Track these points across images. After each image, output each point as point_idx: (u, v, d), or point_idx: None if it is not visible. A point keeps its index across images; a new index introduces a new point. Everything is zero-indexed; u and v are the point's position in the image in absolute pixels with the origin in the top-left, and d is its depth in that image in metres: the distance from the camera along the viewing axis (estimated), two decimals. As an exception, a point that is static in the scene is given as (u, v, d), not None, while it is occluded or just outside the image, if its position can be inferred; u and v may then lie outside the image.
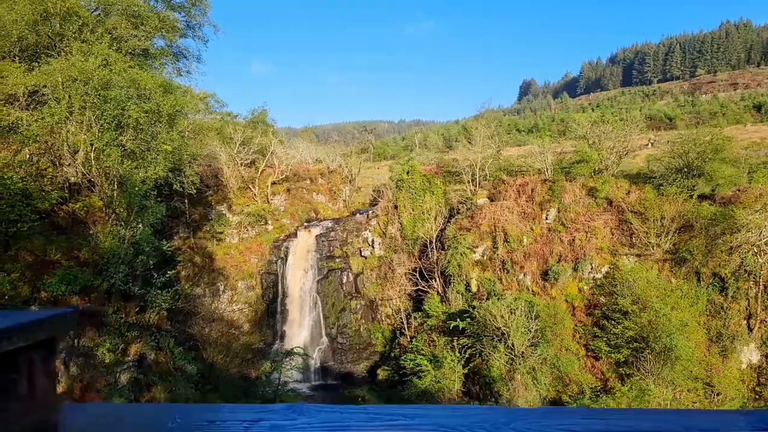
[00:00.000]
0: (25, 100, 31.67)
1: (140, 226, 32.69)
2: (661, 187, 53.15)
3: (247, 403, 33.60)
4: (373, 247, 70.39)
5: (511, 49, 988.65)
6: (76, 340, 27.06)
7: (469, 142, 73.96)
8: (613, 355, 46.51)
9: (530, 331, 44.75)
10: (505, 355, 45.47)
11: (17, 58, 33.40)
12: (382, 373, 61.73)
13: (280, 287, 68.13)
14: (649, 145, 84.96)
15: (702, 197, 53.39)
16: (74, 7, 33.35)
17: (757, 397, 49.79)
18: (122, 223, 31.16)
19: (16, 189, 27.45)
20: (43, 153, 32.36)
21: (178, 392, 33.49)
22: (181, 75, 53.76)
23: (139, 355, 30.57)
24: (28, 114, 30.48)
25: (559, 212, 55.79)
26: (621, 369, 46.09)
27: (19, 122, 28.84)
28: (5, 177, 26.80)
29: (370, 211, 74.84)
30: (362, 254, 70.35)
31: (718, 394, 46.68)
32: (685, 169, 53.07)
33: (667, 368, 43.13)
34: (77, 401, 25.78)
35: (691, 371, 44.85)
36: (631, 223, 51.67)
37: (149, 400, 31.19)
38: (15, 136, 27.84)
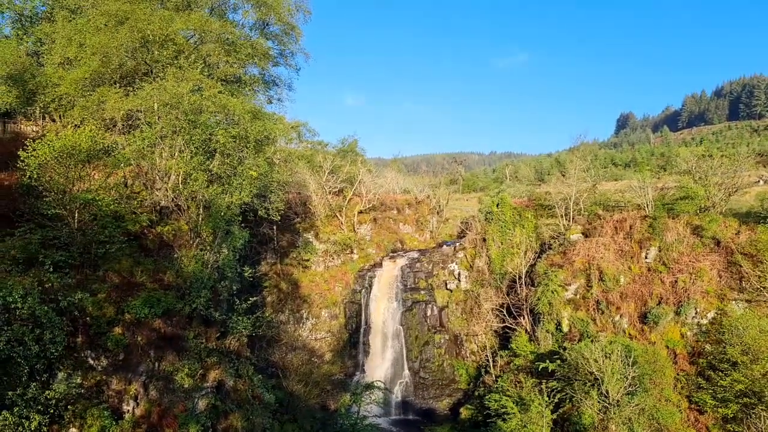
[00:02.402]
0: (122, 125, 32.66)
1: (224, 251, 32.76)
2: (776, 227, 48.75)
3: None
4: (459, 280, 68.60)
5: (608, 81, 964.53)
6: (156, 363, 27.00)
7: (563, 175, 71.25)
8: (719, 410, 42.33)
9: (626, 378, 41.49)
10: (599, 402, 42.33)
11: (117, 84, 34.66)
12: (465, 412, 59.37)
13: (363, 317, 67.40)
14: (761, 182, 79.18)
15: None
16: (172, 34, 34.35)
17: None
18: (207, 248, 31.28)
19: (109, 211, 28.03)
20: (136, 176, 33.18)
21: (255, 421, 32.96)
22: (272, 102, 54.64)
23: (217, 382, 30.25)
24: (123, 138, 31.37)
25: (660, 251, 52.18)
26: (729, 426, 41.84)
27: (114, 146, 29.62)
28: (98, 199, 27.37)
29: (458, 243, 73.25)
30: (448, 287, 68.67)
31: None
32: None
33: (783, 427, 38.77)
34: (154, 426, 25.59)
35: (812, 433, 40.14)
36: (741, 266, 47.46)
37: (226, 428, 30.77)
38: (108, 159, 28.57)
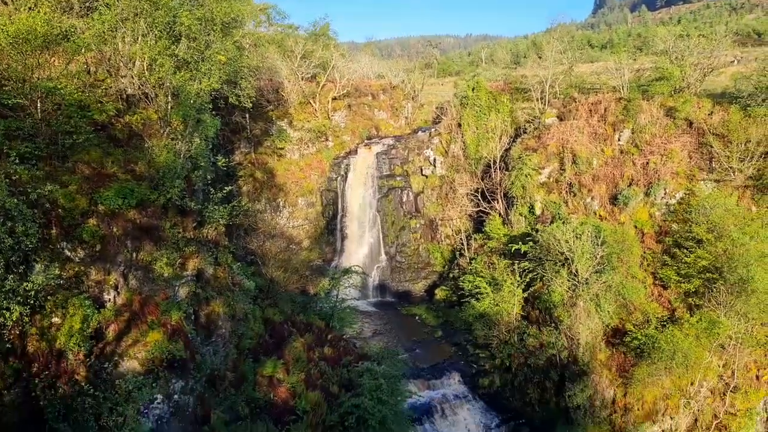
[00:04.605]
0: (80, 7, 30.90)
1: (196, 140, 32.13)
2: (748, 108, 48.92)
3: (304, 317, 33.42)
4: (434, 166, 68.84)
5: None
6: (134, 254, 27.11)
7: (539, 58, 70.03)
8: (682, 285, 44.35)
9: (595, 257, 42.98)
10: (568, 280, 44.03)
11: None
12: (440, 293, 61.58)
13: (339, 204, 68.00)
14: (735, 62, 78.63)
15: (794, 119, 49.17)
16: None
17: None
18: (178, 137, 30.63)
19: (73, 100, 27.06)
20: (98, 63, 31.85)
21: (236, 306, 33.79)
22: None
23: (197, 270, 30.59)
24: (82, 21, 29.80)
25: (633, 133, 52.47)
26: (690, 299, 44.03)
27: (72, 30, 28.11)
28: (60, 87, 26.36)
29: (433, 129, 72.84)
30: (423, 173, 69.00)
31: (794, 329, 44.31)
32: (777, 89, 48.54)
33: (741, 300, 40.84)
34: (136, 313, 26.09)
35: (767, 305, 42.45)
36: (712, 147, 48.07)
37: (208, 314, 31.54)
38: (68, 44, 27.19)
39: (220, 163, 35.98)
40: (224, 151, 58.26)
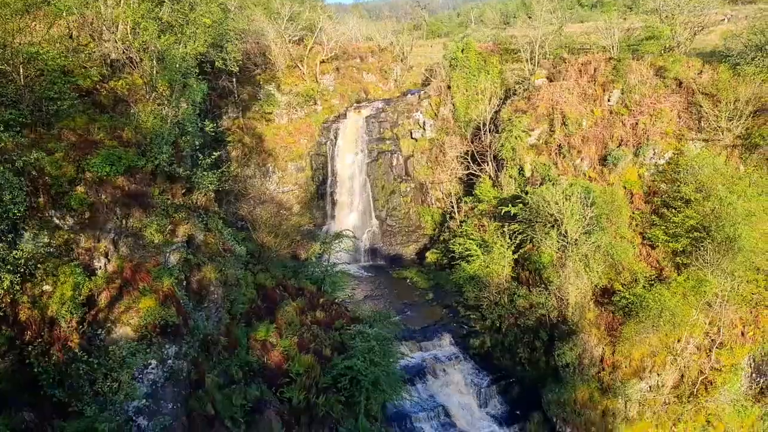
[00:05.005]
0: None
1: (183, 105, 31.74)
2: (738, 67, 48.81)
3: (295, 282, 33.53)
4: (424, 129, 68.50)
5: None
6: (124, 221, 26.98)
7: (529, 18, 69.22)
8: (670, 245, 44.85)
9: (585, 218, 43.25)
10: (558, 242, 44.37)
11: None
12: (430, 256, 61.95)
13: (329, 169, 67.79)
14: (726, 20, 77.93)
15: (782, 78, 49.15)
16: None
17: (820, 289, 47.92)
18: (165, 102, 30.24)
19: (56, 65, 26.65)
20: (81, 27, 31.24)
21: (228, 272, 33.82)
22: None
23: (187, 236, 30.47)
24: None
25: (623, 93, 52.28)
26: (678, 258, 44.57)
27: (52, -7, 27.55)
28: (43, 52, 25.89)
29: (422, 92, 72.30)
30: (413, 136, 68.69)
31: (779, 286, 45.00)
32: (767, 47, 48.35)
33: (728, 259, 41.36)
34: (128, 280, 26.08)
35: (753, 262, 42.98)
36: (701, 106, 48.05)
37: (200, 280, 31.58)
38: (49, 8, 26.62)
39: (208, 129, 35.58)
40: (212, 116, 57.64)
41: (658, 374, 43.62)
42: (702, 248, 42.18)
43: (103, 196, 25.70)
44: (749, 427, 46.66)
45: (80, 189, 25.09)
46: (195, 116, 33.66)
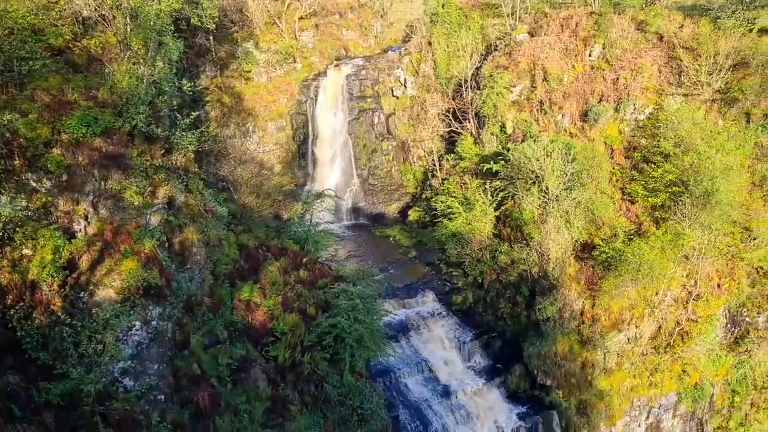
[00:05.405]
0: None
1: (159, 63, 31.13)
2: (718, 21, 48.74)
3: (278, 241, 33.50)
4: (405, 86, 67.86)
5: None
6: (102, 183, 26.67)
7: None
8: (649, 199, 45.37)
9: (566, 174, 43.48)
10: (539, 198, 44.67)
11: None
12: (413, 214, 62.18)
13: (310, 128, 67.19)
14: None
15: (763, 31, 49.17)
16: None
17: (794, 241, 48.93)
18: (140, 61, 29.64)
19: (25, 23, 25.99)
20: (50, -17, 30.32)
21: (210, 233, 33.73)
22: None
23: (168, 198, 30.22)
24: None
25: (604, 48, 52.00)
26: (657, 213, 45.18)
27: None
28: (11, 10, 25.21)
29: (403, 48, 71.35)
30: (394, 94, 68.06)
31: (755, 239, 45.88)
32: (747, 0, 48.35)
33: (706, 213, 42.00)
34: (109, 243, 25.92)
35: (730, 216, 43.71)
36: (681, 60, 48.03)
37: (182, 241, 31.47)
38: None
39: (185, 88, 34.98)
40: (189, 75, 56.65)
41: (636, 326, 44.63)
42: (680, 202, 42.72)
43: (80, 158, 25.34)
44: (723, 375, 48.24)
45: (56, 151, 24.74)
46: (172, 75, 33.05)
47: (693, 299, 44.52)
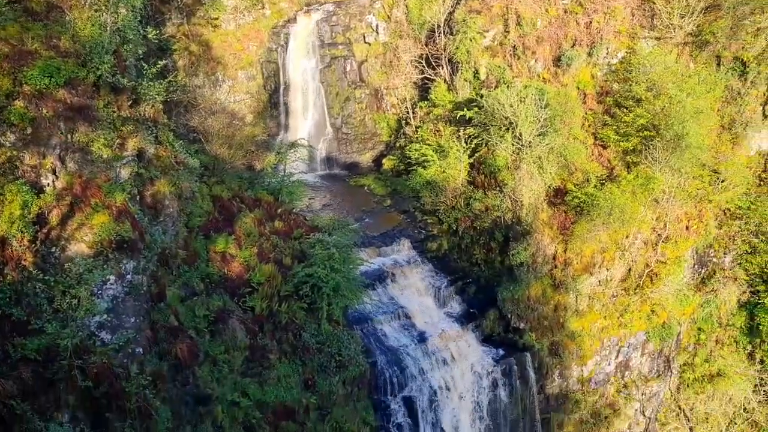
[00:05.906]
0: None
1: (122, 10, 30.03)
2: (692, -39, 48.37)
3: (252, 193, 33.18)
4: (377, 32, 66.59)
5: None
6: (69, 135, 26.06)
7: None
8: (621, 144, 45.77)
9: (539, 120, 43.52)
10: (512, 144, 44.78)
11: None
12: (387, 163, 62.00)
13: (281, 77, 65.89)
14: None
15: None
16: None
17: (760, 183, 50.08)
18: (102, 8, 28.58)
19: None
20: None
21: (182, 185, 33.33)
22: None
23: (137, 150, 29.65)
24: None
25: (578, -9, 51.42)
26: (628, 157, 45.71)
27: None
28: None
29: (374, -7, 69.66)
30: (366, 40, 66.77)
31: (723, 181, 46.82)
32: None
33: (676, 156, 42.64)
34: (78, 197, 25.49)
35: (699, 159, 44.41)
36: (654, 3, 47.80)
37: (153, 194, 31.09)
38: None
39: (150, 36, 33.88)
40: (155, 22, 54.87)
41: (607, 269, 45.67)
42: (651, 146, 43.24)
43: (45, 110, 24.69)
44: (690, 314, 49.89)
45: (19, 103, 24.08)
46: (136, 23, 31.94)
47: (662, 241, 45.53)
